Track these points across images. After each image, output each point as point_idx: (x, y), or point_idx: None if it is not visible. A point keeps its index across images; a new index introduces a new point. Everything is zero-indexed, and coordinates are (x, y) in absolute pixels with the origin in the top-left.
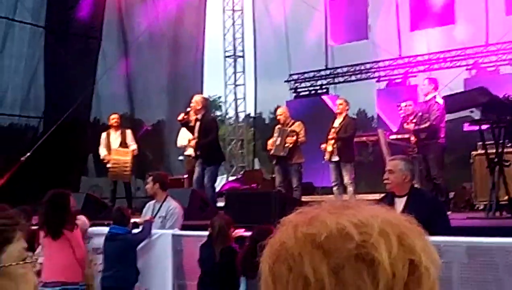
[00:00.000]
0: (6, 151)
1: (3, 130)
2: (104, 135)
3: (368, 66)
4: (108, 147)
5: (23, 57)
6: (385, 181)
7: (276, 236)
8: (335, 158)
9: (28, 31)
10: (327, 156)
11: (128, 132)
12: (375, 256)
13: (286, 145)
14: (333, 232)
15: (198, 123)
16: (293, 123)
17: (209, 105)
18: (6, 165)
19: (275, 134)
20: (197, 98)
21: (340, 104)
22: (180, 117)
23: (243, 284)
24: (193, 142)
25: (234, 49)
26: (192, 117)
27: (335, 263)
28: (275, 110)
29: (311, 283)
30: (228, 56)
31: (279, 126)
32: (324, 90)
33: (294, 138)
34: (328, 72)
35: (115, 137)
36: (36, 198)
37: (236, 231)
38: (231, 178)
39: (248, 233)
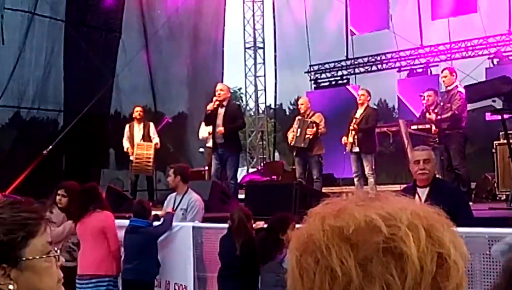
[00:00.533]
0: (27, 145)
1: (24, 124)
2: (127, 127)
3: (389, 56)
4: (131, 139)
5: (43, 50)
6: (422, 172)
7: (303, 228)
8: (356, 149)
9: (48, 24)
10: (348, 147)
11: (151, 125)
12: (404, 249)
13: (307, 136)
14: (361, 224)
15: (222, 111)
16: (313, 114)
17: (233, 93)
18: (28, 159)
19: (295, 125)
20: (222, 86)
21: (362, 94)
22: (209, 107)
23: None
24: (220, 129)
25: (254, 40)
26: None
27: (363, 256)
28: (296, 101)
29: (338, 276)
30: (248, 48)
31: (299, 117)
32: (345, 81)
33: (315, 129)
34: (348, 62)
35: (138, 130)
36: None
37: (257, 223)
38: (251, 170)
39: None
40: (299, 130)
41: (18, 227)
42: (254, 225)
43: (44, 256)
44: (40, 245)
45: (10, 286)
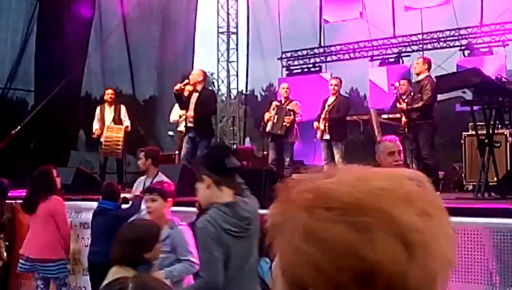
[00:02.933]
0: None
1: None
2: (98, 109)
3: (361, 44)
4: (102, 122)
5: (19, 30)
6: (397, 163)
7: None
8: (327, 137)
9: (24, 4)
10: (319, 134)
11: (122, 108)
12: None
13: (284, 123)
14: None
15: (196, 95)
16: (290, 102)
17: (208, 79)
18: None
19: (272, 111)
20: (197, 70)
21: (334, 83)
22: (177, 87)
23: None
24: (190, 113)
25: (228, 25)
26: (187, 90)
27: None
28: (267, 87)
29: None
30: (222, 33)
31: (276, 103)
32: (317, 68)
33: (292, 117)
34: (321, 50)
35: (109, 112)
36: (26, 171)
37: None
38: None
39: None
40: (276, 116)
41: None
42: None
43: None
44: None
45: None
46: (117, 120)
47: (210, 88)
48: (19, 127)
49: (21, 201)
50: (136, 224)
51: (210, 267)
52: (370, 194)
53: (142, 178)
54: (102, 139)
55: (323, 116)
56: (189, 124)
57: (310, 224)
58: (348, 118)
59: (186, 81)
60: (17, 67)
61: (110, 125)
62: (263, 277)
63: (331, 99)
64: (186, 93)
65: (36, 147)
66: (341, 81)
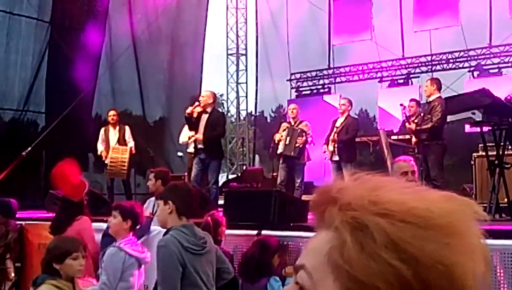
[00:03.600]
0: (8, 146)
1: (5, 125)
2: (102, 131)
3: (370, 66)
4: (107, 143)
5: (30, 52)
6: None
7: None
8: (336, 158)
9: (34, 26)
10: (328, 156)
11: (127, 129)
12: None
13: (297, 145)
14: None
15: (206, 117)
16: (300, 122)
17: (217, 100)
18: (7, 160)
19: (283, 133)
20: (207, 92)
21: (343, 104)
22: (188, 110)
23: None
24: (199, 135)
25: (237, 47)
26: (196, 112)
27: None
28: (277, 108)
29: None
30: (231, 54)
31: (286, 124)
32: (326, 90)
33: (304, 138)
34: (330, 71)
35: (113, 134)
36: (36, 192)
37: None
38: (231, 176)
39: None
40: (288, 138)
41: None
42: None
43: None
44: None
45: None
46: (121, 141)
47: (220, 109)
48: (29, 149)
49: (49, 223)
50: (60, 237)
51: (169, 284)
52: (450, 213)
53: (152, 199)
54: (107, 161)
55: (332, 137)
56: (199, 146)
57: (397, 237)
58: (357, 139)
59: (197, 103)
60: (29, 89)
61: (115, 146)
62: None
63: (340, 120)
64: (195, 115)
65: (47, 169)
66: (350, 102)
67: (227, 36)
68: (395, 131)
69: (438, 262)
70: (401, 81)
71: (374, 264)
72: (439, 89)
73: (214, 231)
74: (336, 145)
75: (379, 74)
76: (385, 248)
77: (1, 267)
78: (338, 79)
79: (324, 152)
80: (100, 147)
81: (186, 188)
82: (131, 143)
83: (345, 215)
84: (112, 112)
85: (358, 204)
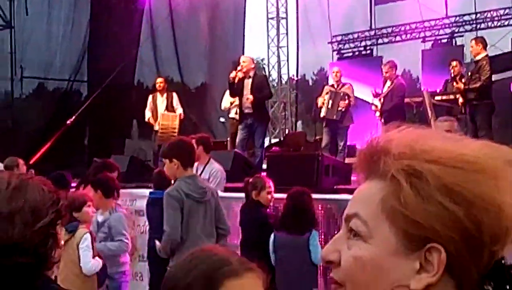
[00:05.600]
0: (52, 116)
1: (49, 95)
2: (150, 98)
3: (413, 26)
4: (154, 110)
5: (70, 22)
6: None
7: None
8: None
9: None
10: (377, 115)
11: (174, 95)
12: None
13: (339, 108)
14: None
15: (249, 81)
16: (343, 85)
17: (258, 65)
18: (52, 129)
19: (326, 96)
20: (247, 57)
21: (386, 71)
22: (232, 74)
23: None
24: (249, 97)
25: (277, 10)
26: (238, 76)
27: None
28: (318, 71)
29: None
30: (271, 18)
31: (330, 88)
32: (368, 51)
33: (347, 101)
34: (372, 32)
35: (161, 101)
36: (81, 161)
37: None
38: (273, 141)
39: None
40: (330, 101)
41: (54, 189)
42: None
43: None
44: None
45: (62, 241)
46: (169, 107)
47: (262, 73)
48: (73, 118)
49: None
50: (73, 193)
51: (171, 223)
52: (493, 158)
53: (195, 165)
54: (157, 127)
55: (378, 103)
56: (246, 110)
57: (450, 181)
58: None
59: (239, 68)
60: (71, 58)
61: (164, 113)
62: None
63: (387, 84)
64: (236, 81)
65: (91, 137)
66: (394, 65)
67: (267, 0)
68: (439, 92)
69: (488, 203)
70: (445, 40)
71: (430, 207)
72: (485, 47)
73: (255, 194)
74: (381, 112)
75: (422, 34)
76: (439, 192)
77: (53, 231)
78: (380, 40)
79: (375, 108)
80: (148, 114)
81: (184, 143)
82: (179, 109)
83: (399, 164)
84: (159, 79)
85: (410, 153)
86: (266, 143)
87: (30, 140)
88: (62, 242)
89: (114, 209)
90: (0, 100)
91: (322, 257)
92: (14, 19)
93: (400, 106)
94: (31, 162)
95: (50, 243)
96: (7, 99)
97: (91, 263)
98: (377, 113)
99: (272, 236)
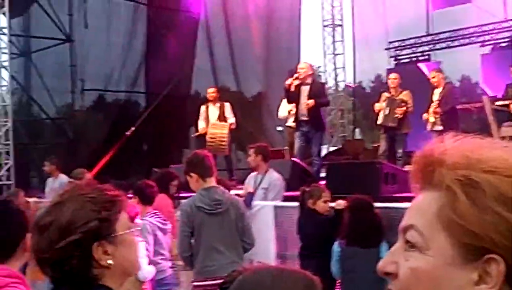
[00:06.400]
0: (111, 127)
1: (108, 106)
2: (203, 108)
3: (471, 30)
4: (207, 120)
5: (129, 34)
6: None
7: None
8: (439, 127)
9: (132, 8)
10: (429, 126)
11: (227, 105)
12: None
13: (396, 115)
14: None
15: (306, 88)
16: (401, 92)
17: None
18: (111, 141)
19: (383, 103)
20: (305, 64)
21: (433, 77)
22: (288, 82)
23: (384, 247)
24: (310, 102)
25: (333, 18)
26: (294, 84)
27: None
28: (375, 78)
29: None
30: (326, 26)
31: (387, 94)
32: (426, 57)
33: (404, 108)
34: (429, 38)
35: (214, 110)
36: (140, 171)
37: (338, 202)
38: (331, 149)
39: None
40: (387, 109)
41: (110, 204)
42: (335, 204)
43: (130, 230)
44: (125, 220)
45: (109, 261)
46: (221, 117)
47: (320, 80)
48: (132, 129)
49: None
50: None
51: (179, 239)
52: None
53: (253, 174)
54: (207, 137)
55: (432, 109)
56: (302, 118)
57: (506, 190)
58: (460, 106)
59: (296, 75)
60: (129, 70)
61: (214, 122)
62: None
63: (437, 90)
64: (292, 88)
65: (150, 147)
66: (440, 73)
67: (322, 8)
68: (499, 97)
69: None
70: (504, 44)
71: (487, 217)
72: None
73: (312, 203)
74: (437, 116)
75: (480, 38)
76: (496, 202)
77: (84, 250)
78: (437, 46)
79: (426, 120)
80: (201, 124)
81: (198, 155)
82: (231, 119)
83: (455, 174)
84: (211, 90)
85: (465, 163)
86: (324, 152)
87: (90, 152)
88: (109, 262)
89: (145, 217)
90: (62, 113)
91: (380, 269)
92: (74, 32)
93: (455, 109)
94: (92, 173)
95: (78, 261)
96: (68, 112)
97: (146, 270)
98: (428, 126)
99: (336, 246)
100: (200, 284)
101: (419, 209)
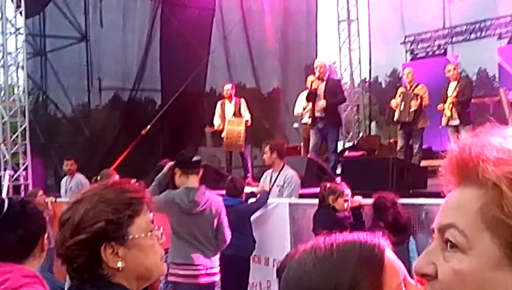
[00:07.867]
0: (127, 125)
1: (124, 104)
2: (218, 105)
3: (488, 23)
4: (223, 117)
5: (144, 31)
6: None
7: None
8: (455, 122)
9: (147, 5)
10: (444, 121)
11: (243, 102)
12: None
13: (411, 109)
14: None
15: (323, 85)
16: (416, 86)
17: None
18: (127, 139)
19: (398, 98)
20: (321, 62)
21: (449, 70)
22: (312, 79)
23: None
24: (322, 103)
25: (348, 13)
26: (309, 81)
27: None
28: (391, 73)
29: None
30: (342, 20)
31: (402, 89)
32: (442, 51)
33: (419, 102)
34: (446, 31)
35: (229, 107)
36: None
37: (355, 198)
38: (347, 144)
39: (366, 201)
40: (402, 104)
41: (124, 206)
42: (351, 202)
43: (148, 234)
44: (144, 223)
45: (119, 264)
46: (237, 114)
47: (336, 77)
48: (148, 127)
49: None
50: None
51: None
52: None
53: (269, 171)
54: (223, 134)
55: (447, 104)
56: (318, 114)
57: None
58: (477, 100)
59: (317, 74)
60: (144, 67)
61: (230, 119)
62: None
63: (453, 84)
64: (313, 85)
65: (165, 145)
66: (455, 67)
67: (337, 2)
68: None
69: None
70: None
71: None
72: None
73: (332, 199)
74: (453, 109)
75: (497, 31)
76: None
77: (94, 249)
78: (454, 39)
79: (442, 110)
80: (217, 121)
81: (183, 153)
82: (246, 116)
83: (500, 170)
84: (227, 86)
85: (509, 158)
86: (340, 147)
87: (107, 150)
88: (119, 265)
89: None
90: (78, 111)
91: (416, 270)
92: (90, 31)
93: (470, 103)
94: None
95: (85, 260)
96: (84, 110)
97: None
98: (443, 121)
99: None
100: (172, 272)
101: (458, 206)
